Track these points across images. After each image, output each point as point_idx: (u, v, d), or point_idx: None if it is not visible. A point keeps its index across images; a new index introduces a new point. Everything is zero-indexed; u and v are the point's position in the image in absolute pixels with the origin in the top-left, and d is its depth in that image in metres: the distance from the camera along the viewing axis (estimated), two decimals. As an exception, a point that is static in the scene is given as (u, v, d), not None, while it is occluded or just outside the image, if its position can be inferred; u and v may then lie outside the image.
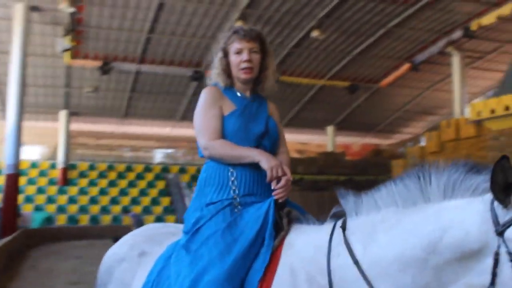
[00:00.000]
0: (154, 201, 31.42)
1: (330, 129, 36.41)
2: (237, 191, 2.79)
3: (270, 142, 2.95)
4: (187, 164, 36.24)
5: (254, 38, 2.92)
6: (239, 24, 22.36)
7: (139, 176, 33.44)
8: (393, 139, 40.51)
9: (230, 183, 2.80)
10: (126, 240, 3.42)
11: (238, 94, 2.98)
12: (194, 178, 33.77)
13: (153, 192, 32.19)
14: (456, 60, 26.65)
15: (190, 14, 23.30)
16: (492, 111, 22.11)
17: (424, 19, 24.49)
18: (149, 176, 33.59)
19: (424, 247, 2.11)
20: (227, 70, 2.96)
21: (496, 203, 1.99)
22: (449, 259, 2.06)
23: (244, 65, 2.89)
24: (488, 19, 22.64)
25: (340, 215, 2.51)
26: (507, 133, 21.91)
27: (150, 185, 32.84)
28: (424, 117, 37.43)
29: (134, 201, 31.01)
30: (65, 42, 23.21)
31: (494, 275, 1.94)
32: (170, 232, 3.33)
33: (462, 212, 2.06)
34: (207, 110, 2.88)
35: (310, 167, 30.99)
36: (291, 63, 27.88)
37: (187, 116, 32.91)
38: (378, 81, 31.04)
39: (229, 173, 2.81)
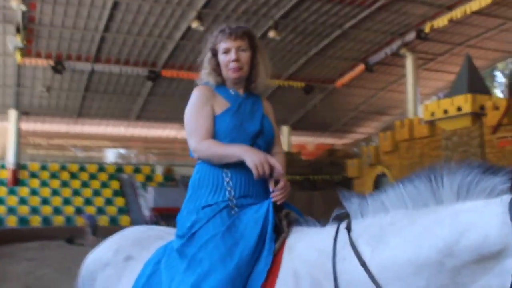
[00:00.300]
0: (108, 202, 30.93)
1: (285, 129, 36.50)
2: (232, 193, 2.72)
3: (265, 142, 2.89)
4: (142, 164, 35.84)
5: (242, 36, 2.86)
6: (195, 24, 22.29)
7: (93, 176, 32.86)
8: (347, 138, 40.94)
9: (225, 184, 2.73)
10: (110, 244, 3.28)
11: (231, 92, 2.92)
12: (148, 178, 33.44)
13: (107, 193, 31.67)
14: (409, 62, 27.09)
15: (146, 13, 23.01)
16: (445, 112, 22.57)
17: (379, 21, 24.82)
18: (103, 176, 33.05)
19: (441, 250, 2.04)
20: (217, 70, 2.91)
21: None
22: (467, 262, 2.01)
23: (232, 64, 2.84)
24: (441, 21, 23.08)
25: (342, 217, 2.46)
26: (460, 133, 22.41)
27: (104, 185, 32.31)
28: (378, 117, 37.96)
29: (88, 202, 30.46)
30: (17, 40, 22.63)
31: None
32: (157, 236, 3.22)
33: (480, 214, 2.01)
34: (198, 110, 2.80)
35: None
36: (248, 63, 27.83)
37: (142, 116, 32.53)
38: (334, 81, 31.31)
39: (224, 174, 2.74)
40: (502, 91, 30.92)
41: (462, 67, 23.84)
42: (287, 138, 36.75)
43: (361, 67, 29.12)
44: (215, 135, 2.79)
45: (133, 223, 28.40)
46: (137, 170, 34.16)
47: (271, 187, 2.65)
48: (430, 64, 30.53)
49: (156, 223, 28.30)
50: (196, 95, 2.85)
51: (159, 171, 34.47)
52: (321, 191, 31.77)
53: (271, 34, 23.72)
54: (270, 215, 2.58)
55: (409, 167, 25.50)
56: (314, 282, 2.32)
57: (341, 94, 33.21)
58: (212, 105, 2.82)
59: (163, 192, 29.79)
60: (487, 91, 24.24)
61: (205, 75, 2.94)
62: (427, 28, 24.06)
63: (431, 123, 23.69)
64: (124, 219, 29.13)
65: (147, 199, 30.15)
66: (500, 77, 39.70)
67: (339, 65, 29.71)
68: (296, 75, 29.87)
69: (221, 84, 2.91)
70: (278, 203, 2.62)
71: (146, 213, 29.65)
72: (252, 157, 2.60)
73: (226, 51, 2.85)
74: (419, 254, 2.09)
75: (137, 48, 25.81)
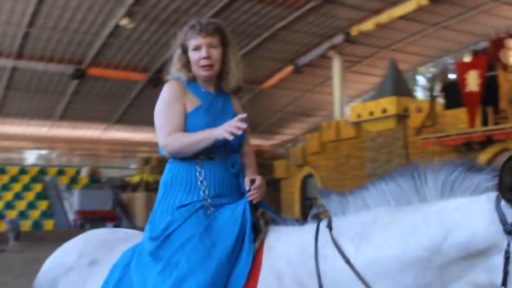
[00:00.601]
0: (31, 205, 29.85)
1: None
2: (207, 192, 2.62)
3: (237, 141, 2.77)
4: (66, 166, 34.81)
5: (212, 32, 2.74)
6: (124, 21, 21.86)
7: (14, 179, 31.65)
8: (274, 140, 41.29)
9: (199, 183, 2.63)
10: (71, 248, 3.09)
11: (202, 89, 2.81)
12: (73, 180, 32.51)
13: (29, 196, 30.59)
14: (336, 64, 27.62)
15: (73, 8, 22.36)
16: (371, 113, 23.12)
17: (308, 23, 25.18)
18: (25, 179, 31.91)
19: (427, 248, 2.05)
20: (187, 66, 2.80)
21: (503, 203, 1.95)
22: (454, 259, 2.02)
23: (203, 62, 2.73)
24: (368, 25, 23.67)
25: (320, 216, 2.42)
26: (384, 134, 23.02)
27: (26, 188, 31.20)
28: (305, 119, 38.50)
29: (9, 206, 29.30)
30: None
31: (505, 273, 1.92)
32: (121, 239, 3.07)
33: (466, 212, 2.01)
34: (169, 105, 2.68)
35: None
36: (177, 63, 27.60)
37: (66, 115, 31.59)
38: (261, 82, 31.51)
39: (197, 173, 2.64)
40: (430, 95, 31.93)
41: (387, 70, 24.52)
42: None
43: (289, 68, 29.46)
44: (187, 132, 2.69)
45: (58, 227, 27.58)
46: (61, 172, 33.17)
47: (246, 186, 2.60)
48: (357, 67, 31.25)
49: (81, 226, 27.57)
50: (167, 90, 2.73)
51: (84, 173, 33.58)
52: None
53: (202, 33, 23.58)
54: (248, 214, 2.51)
55: (336, 168, 25.99)
56: (297, 281, 2.28)
57: (269, 95, 33.45)
58: (184, 102, 2.71)
59: (88, 194, 29.10)
60: (410, 94, 25.04)
61: (175, 71, 2.82)
62: (354, 31, 24.61)
63: (357, 125, 24.24)
64: (48, 223, 28.20)
65: (72, 202, 29.35)
66: (421, 81, 41.16)
67: (268, 66, 29.92)
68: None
69: (192, 80, 2.80)
70: (254, 202, 2.57)
71: (71, 216, 28.82)
72: (222, 129, 2.50)
73: (197, 48, 2.73)
74: (406, 252, 2.09)
75: (63, 45, 25.07)
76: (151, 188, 28.52)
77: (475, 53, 20.71)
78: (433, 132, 21.07)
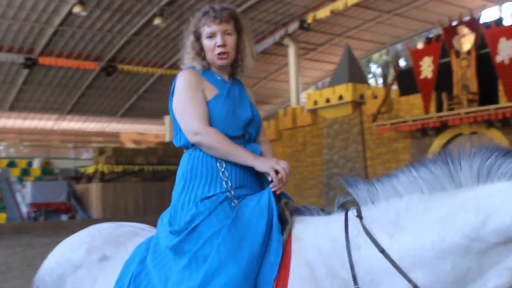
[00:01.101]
0: (-20, 199, 29.00)
1: (167, 118, 36.05)
2: (229, 183, 2.56)
3: (255, 130, 2.75)
4: (17, 157, 33.91)
5: (227, 19, 2.67)
6: (77, 9, 21.31)
7: (-38, 172, 30.69)
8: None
9: (221, 174, 2.56)
10: (78, 244, 2.94)
11: (218, 77, 2.73)
12: (25, 172, 31.71)
13: (-21, 189, 29.70)
14: (291, 51, 27.67)
15: (23, -4, 21.72)
16: (327, 100, 23.29)
17: (263, 10, 25.11)
18: (-27, 171, 30.96)
19: (466, 234, 2.02)
20: (201, 54, 2.72)
21: None
22: (493, 244, 1.99)
23: (219, 50, 2.66)
24: (323, 12, 23.74)
25: (347, 205, 2.38)
26: (341, 121, 23.24)
27: (-25, 181, 30.27)
28: (260, 106, 38.22)
29: (-43, 199, 28.41)
30: None
31: None
32: (131, 232, 2.96)
33: (506, 197, 1.98)
34: (191, 94, 2.59)
35: (149, 157, 30.52)
36: (130, 51, 27.21)
37: (16, 105, 30.76)
38: (217, 70, 31.28)
39: (218, 164, 2.57)
40: (384, 82, 32.30)
41: (342, 57, 24.71)
42: (169, 128, 36.31)
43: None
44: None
45: (10, 220, 26.89)
46: (11, 164, 32.26)
47: (270, 176, 2.52)
48: (311, 54, 31.39)
49: (35, 219, 26.96)
50: (185, 80, 2.64)
51: (36, 165, 32.78)
52: (170, 181, 31.63)
53: (156, 21, 23.27)
54: (273, 205, 2.46)
55: (293, 155, 26.12)
56: (330, 272, 2.23)
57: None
58: (203, 90, 2.64)
59: (41, 186, 28.42)
60: (366, 81, 25.31)
61: (188, 59, 2.74)
62: (309, 18, 24.67)
63: (314, 112, 24.39)
64: (0, 216, 27.44)
65: (25, 195, 28.62)
66: (374, 68, 41.69)
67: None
68: (179, 64, 29.44)
69: (207, 69, 2.73)
70: (278, 192, 2.51)
71: (24, 209, 28.13)
72: (265, 162, 2.49)
73: (211, 36, 2.67)
74: (444, 239, 2.05)
75: (12, 33, 24.33)
76: (106, 178, 28.08)
77: (429, 40, 21.02)
78: (388, 118, 21.38)
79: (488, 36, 18.52)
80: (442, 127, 19.44)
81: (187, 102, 2.59)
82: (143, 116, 34.97)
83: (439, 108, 19.83)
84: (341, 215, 2.36)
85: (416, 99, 21.00)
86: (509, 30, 18.19)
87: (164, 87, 31.81)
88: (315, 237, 2.35)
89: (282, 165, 2.46)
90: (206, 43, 2.68)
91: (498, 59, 18.14)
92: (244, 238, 2.37)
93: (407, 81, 21.46)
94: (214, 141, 2.52)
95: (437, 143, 19.95)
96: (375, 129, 21.30)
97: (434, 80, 19.98)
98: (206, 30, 2.66)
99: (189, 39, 2.74)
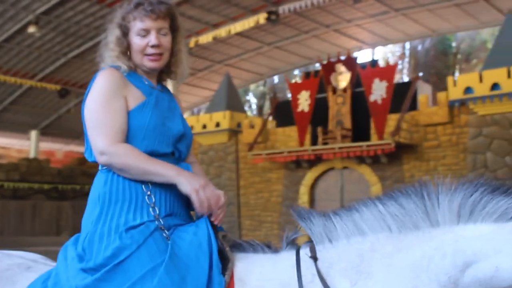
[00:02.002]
0: None
1: (34, 133, 34.12)
2: (157, 211, 2.12)
3: (186, 147, 2.34)
4: None
5: (164, 15, 2.27)
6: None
7: None
8: (99, 148, 39.67)
9: (146, 198, 2.12)
10: None
11: (145, 81, 2.30)
12: None
13: None
14: (171, 74, 27.22)
15: None
16: (204, 126, 23.11)
17: (145, 30, 24.54)
18: None
19: (443, 284, 1.71)
20: (127, 53, 2.29)
21: None
22: None
23: (152, 50, 2.25)
24: (206, 38, 23.62)
25: (297, 242, 2.02)
26: (216, 148, 23.14)
27: None
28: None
29: None
30: None
31: None
32: (21, 265, 2.34)
33: (490, 242, 1.68)
34: (109, 100, 2.15)
35: (11, 173, 28.57)
36: (-2, 59, 25.49)
37: None
38: (91, 87, 30.13)
39: (143, 186, 2.13)
40: (262, 113, 32.69)
41: (221, 84, 24.73)
42: (35, 144, 34.37)
43: (121, 75, 28.45)
44: (128, 135, 2.17)
45: None
46: None
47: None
48: (190, 79, 31.08)
49: None
50: (105, 81, 2.19)
51: None
52: (71, 201, 30.31)
53: (31, 29, 21.91)
54: (213, 239, 2.07)
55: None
56: None
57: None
58: (125, 96, 2.20)
59: None
60: (243, 110, 25.48)
61: (110, 58, 2.29)
62: (192, 43, 24.45)
63: (190, 137, 24.07)
64: None
65: None
66: (252, 98, 42.21)
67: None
68: (51, 77, 28.07)
69: (133, 70, 2.30)
70: (217, 223, 2.13)
71: None
72: (190, 182, 2.06)
73: (144, 33, 2.25)
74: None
75: None
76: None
77: (307, 75, 21.56)
78: (264, 148, 21.56)
79: (363, 75, 19.29)
80: (316, 160, 19.86)
81: (101, 111, 2.15)
82: (7, 129, 32.79)
83: (314, 142, 20.28)
84: (292, 255, 1.99)
85: (292, 131, 21.36)
86: (382, 71, 19.07)
87: (33, 100, 30.16)
88: (261, 280, 1.97)
89: (208, 191, 2.06)
90: (136, 41, 2.26)
91: (372, 98, 18.91)
92: (185, 280, 1.94)
93: (284, 113, 21.82)
94: (125, 160, 2.08)
95: (310, 175, 20.35)
96: (250, 158, 21.37)
97: (311, 114, 20.47)
98: (137, 26, 2.25)
99: (114, 33, 2.30)
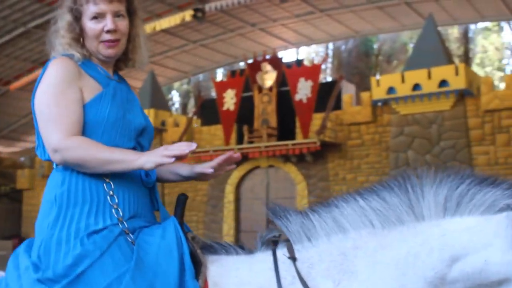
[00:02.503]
0: None
1: None
2: (120, 212, 1.92)
3: (149, 142, 2.15)
4: None
5: None
6: None
7: None
8: (16, 147, 38.18)
9: (109, 199, 1.92)
10: None
11: (101, 71, 2.08)
12: None
13: None
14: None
15: None
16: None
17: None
18: None
19: (430, 281, 1.62)
20: (80, 40, 2.06)
21: None
22: None
23: (108, 36, 2.03)
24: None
25: (275, 240, 1.86)
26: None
27: None
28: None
29: None
30: None
31: None
32: None
33: (477, 235, 1.61)
34: (62, 92, 1.92)
35: None
36: None
37: None
38: (8, 83, 28.93)
39: (104, 185, 1.92)
40: (184, 110, 32.32)
41: (145, 82, 24.31)
42: None
43: (40, 71, 27.40)
44: (85, 130, 1.96)
45: None
46: None
47: (204, 168, 1.99)
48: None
49: None
50: (56, 71, 1.96)
51: None
52: (-14, 202, 29.05)
53: None
54: (183, 242, 1.89)
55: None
56: None
57: (14, 97, 30.84)
58: (80, 87, 1.98)
59: None
60: (168, 108, 25.13)
61: (61, 45, 2.06)
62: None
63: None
64: None
65: None
66: (176, 96, 41.72)
67: (17, 66, 27.61)
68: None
69: (87, 59, 2.08)
70: (184, 153, 1.86)
71: None
72: (153, 155, 1.84)
73: (97, 16, 2.02)
74: (404, 286, 1.65)
75: None
76: None
77: (233, 73, 21.49)
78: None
79: (288, 75, 19.42)
80: (242, 159, 19.71)
81: (53, 104, 1.92)
82: None
83: (240, 140, 20.25)
84: (268, 256, 1.85)
85: (217, 130, 21.24)
86: (308, 70, 19.25)
87: None
88: (238, 285, 1.83)
89: (172, 147, 1.84)
90: (90, 25, 2.03)
91: (297, 97, 19.05)
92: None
93: (209, 111, 21.67)
94: (80, 153, 1.87)
95: (236, 174, 20.29)
96: (175, 157, 21.06)
97: (236, 112, 20.40)
98: (91, 9, 2.01)
99: (64, 18, 2.06)
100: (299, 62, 20.04)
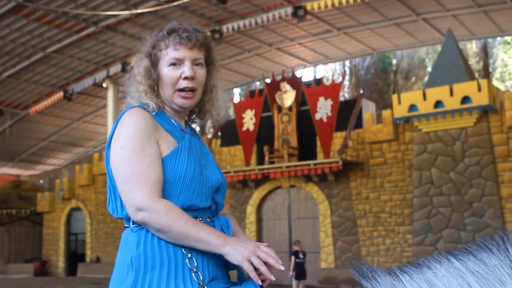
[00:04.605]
0: None
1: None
2: (200, 276, 1.79)
3: (222, 198, 2.02)
4: None
5: (200, 45, 1.95)
6: None
7: None
8: (34, 170, 38.35)
9: (187, 262, 1.79)
10: None
11: (175, 123, 1.97)
12: None
13: None
14: (111, 94, 26.60)
15: None
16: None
17: (84, 49, 23.93)
18: None
19: None
20: (155, 87, 1.94)
21: None
22: None
23: (185, 83, 1.91)
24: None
25: None
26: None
27: None
28: (70, 149, 36.43)
29: None
30: None
31: None
32: None
33: None
34: (143, 146, 1.82)
35: None
36: None
37: None
38: (27, 107, 29.13)
39: (182, 249, 1.80)
40: (203, 131, 32.15)
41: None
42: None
43: (59, 94, 27.62)
44: (162, 189, 1.84)
45: None
46: None
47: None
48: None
49: None
50: (135, 123, 1.84)
51: None
52: (7, 226, 29.08)
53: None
54: None
55: (106, 202, 24.76)
56: None
57: (34, 121, 31.08)
58: (157, 141, 1.87)
59: None
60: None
61: (137, 93, 1.94)
62: (133, 61, 23.98)
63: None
64: None
65: None
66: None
67: (36, 90, 27.78)
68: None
69: (161, 110, 1.96)
70: (264, 286, 1.81)
71: None
72: (238, 251, 1.74)
73: (177, 63, 1.91)
74: None
75: None
76: None
77: (252, 94, 21.44)
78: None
79: (308, 94, 19.35)
80: (263, 179, 19.70)
81: (135, 160, 1.80)
82: None
83: (260, 161, 20.15)
84: None
85: (237, 151, 21.18)
86: (327, 89, 19.16)
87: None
88: None
89: (262, 254, 1.73)
90: (167, 72, 1.91)
91: (317, 116, 18.97)
92: None
93: (228, 132, 21.61)
94: (166, 220, 1.74)
95: (257, 194, 20.17)
96: (195, 178, 20.98)
97: (256, 132, 20.34)
98: (170, 54, 1.91)
99: (142, 64, 1.95)
100: (318, 81, 19.95)
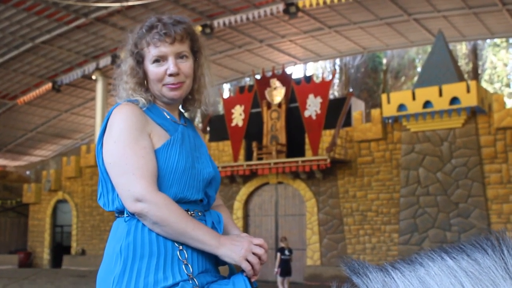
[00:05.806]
0: None
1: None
2: (190, 268, 1.78)
3: (215, 192, 2.02)
4: None
5: (181, 37, 1.93)
6: None
7: None
8: (21, 160, 38.15)
9: (178, 254, 1.79)
10: None
11: (167, 116, 1.97)
12: None
13: None
14: (100, 86, 26.50)
15: None
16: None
17: (74, 40, 23.79)
18: None
19: None
20: (144, 83, 1.96)
21: None
22: None
23: (171, 80, 1.91)
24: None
25: None
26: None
27: None
28: (57, 140, 36.27)
29: None
30: None
31: None
32: None
33: None
34: (136, 140, 1.81)
35: None
36: None
37: None
38: (15, 97, 28.93)
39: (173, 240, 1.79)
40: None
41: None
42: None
43: (47, 85, 27.46)
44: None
45: None
46: None
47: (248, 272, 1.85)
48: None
49: None
50: (126, 118, 1.84)
51: None
52: (-8, 217, 28.92)
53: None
54: None
55: (93, 194, 24.76)
56: None
57: (21, 112, 30.88)
58: (149, 134, 1.87)
59: None
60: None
61: (125, 91, 1.96)
62: (122, 55, 23.88)
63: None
64: None
65: None
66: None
67: (24, 81, 27.60)
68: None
69: (152, 103, 1.97)
70: (253, 280, 1.81)
71: None
72: (235, 252, 1.76)
73: (160, 59, 1.92)
74: None
75: None
76: None
77: (241, 89, 21.41)
78: (197, 163, 21.18)
79: (297, 91, 19.35)
80: (251, 175, 19.68)
81: (130, 153, 1.79)
82: None
83: (249, 157, 20.13)
84: None
85: (225, 146, 21.15)
86: (317, 87, 19.17)
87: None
88: None
89: (257, 250, 1.76)
90: (152, 69, 1.92)
91: (306, 114, 18.99)
92: None
93: (216, 127, 21.58)
94: (164, 214, 1.74)
95: (245, 190, 20.16)
96: (183, 173, 20.94)
97: (245, 128, 20.32)
98: (152, 52, 1.91)
99: (127, 63, 1.97)
100: (308, 78, 19.95)
